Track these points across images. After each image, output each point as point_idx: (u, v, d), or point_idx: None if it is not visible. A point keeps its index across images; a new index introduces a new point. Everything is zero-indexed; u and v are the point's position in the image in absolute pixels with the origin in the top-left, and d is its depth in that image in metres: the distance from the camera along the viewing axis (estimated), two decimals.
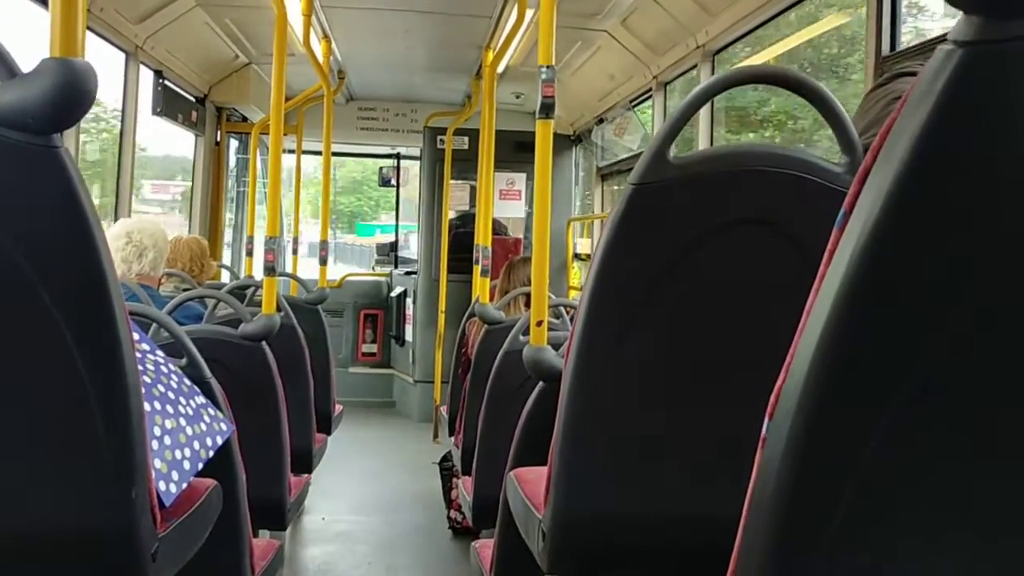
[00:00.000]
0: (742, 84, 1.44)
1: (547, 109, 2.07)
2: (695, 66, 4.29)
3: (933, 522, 0.65)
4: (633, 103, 5.50)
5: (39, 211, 1.07)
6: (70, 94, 1.03)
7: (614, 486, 1.43)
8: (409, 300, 7.09)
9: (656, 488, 1.43)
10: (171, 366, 1.66)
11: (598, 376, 1.40)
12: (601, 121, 6.14)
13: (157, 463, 1.41)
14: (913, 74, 1.50)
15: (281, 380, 2.70)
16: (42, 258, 1.08)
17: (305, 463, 3.49)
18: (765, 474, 0.68)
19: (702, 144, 4.18)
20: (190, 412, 1.58)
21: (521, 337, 2.80)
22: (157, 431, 1.46)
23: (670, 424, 1.41)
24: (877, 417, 0.62)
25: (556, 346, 2.05)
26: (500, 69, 4.50)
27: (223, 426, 1.69)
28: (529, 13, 3.91)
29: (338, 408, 4.29)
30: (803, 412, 0.64)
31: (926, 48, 2.45)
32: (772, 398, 0.69)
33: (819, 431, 0.65)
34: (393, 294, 7.36)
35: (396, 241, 8.16)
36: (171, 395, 1.55)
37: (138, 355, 1.24)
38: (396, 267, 7.72)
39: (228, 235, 6.71)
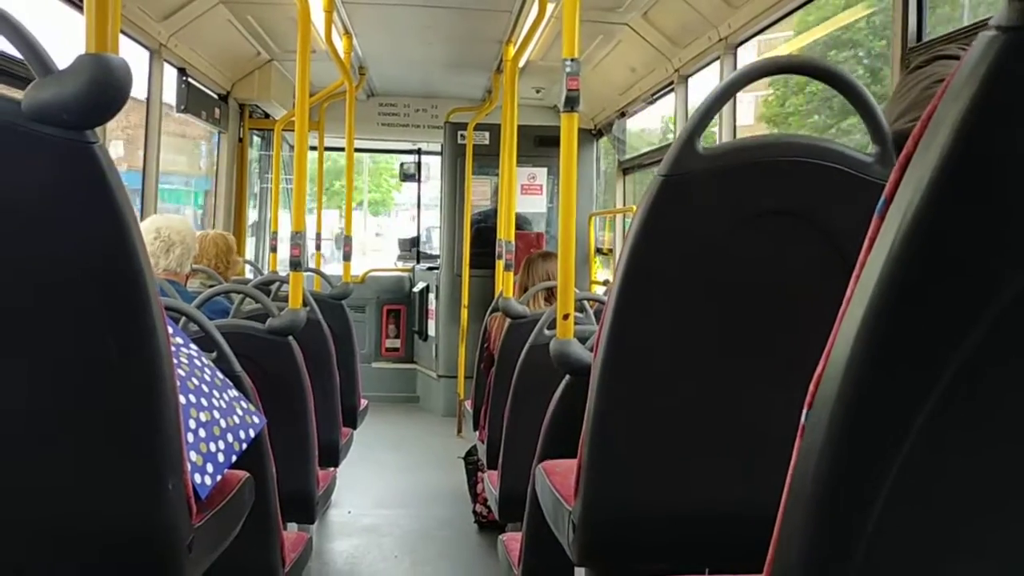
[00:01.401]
0: (773, 74, 1.43)
1: (572, 102, 2.07)
2: (717, 58, 4.26)
3: (978, 514, 0.65)
4: (654, 96, 5.48)
5: (75, 207, 1.08)
6: (106, 90, 1.03)
7: (645, 478, 1.43)
8: (432, 295, 7.11)
9: (688, 479, 1.43)
10: (204, 360, 1.68)
11: (628, 368, 1.40)
12: (623, 115, 6.12)
13: (192, 456, 1.42)
14: (952, 56, 1.48)
15: (308, 374, 2.71)
16: (78, 254, 1.09)
17: (332, 456, 3.51)
18: (804, 463, 0.68)
19: (725, 136, 4.16)
20: (223, 405, 1.59)
21: (546, 331, 2.81)
22: (192, 424, 1.47)
23: (702, 415, 1.40)
24: (920, 404, 0.62)
25: (581, 340, 2.05)
26: (520, 64, 4.49)
27: (255, 419, 1.71)
28: (550, 7, 3.89)
29: (363, 402, 4.31)
30: (844, 400, 0.64)
31: (954, 38, 2.43)
32: (811, 387, 0.68)
33: (860, 419, 0.64)
34: (415, 289, 7.38)
35: (418, 236, 8.18)
36: (205, 388, 1.57)
37: (172, 348, 1.25)
38: (418, 262, 7.74)
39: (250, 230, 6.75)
